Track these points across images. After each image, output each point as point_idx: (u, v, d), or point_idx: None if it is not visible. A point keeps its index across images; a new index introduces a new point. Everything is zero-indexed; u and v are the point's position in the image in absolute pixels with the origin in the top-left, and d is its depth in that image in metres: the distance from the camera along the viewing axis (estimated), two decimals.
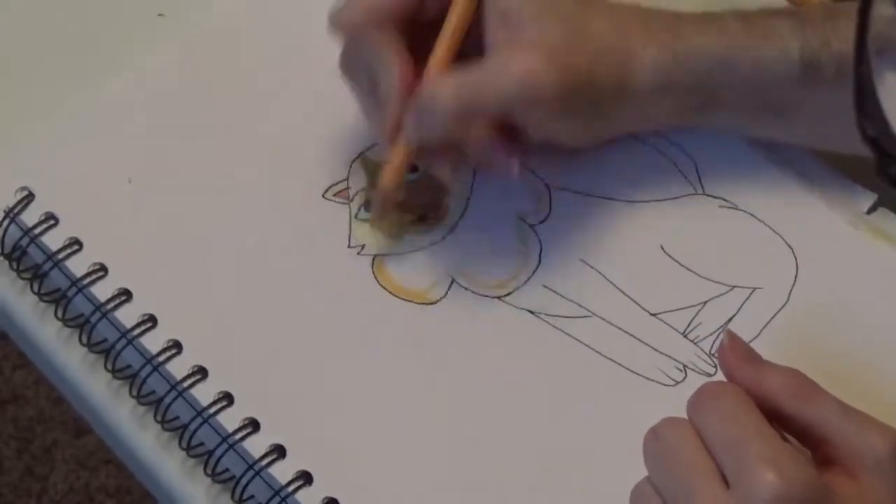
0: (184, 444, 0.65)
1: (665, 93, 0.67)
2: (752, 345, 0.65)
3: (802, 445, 0.56)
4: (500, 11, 0.65)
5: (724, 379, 0.58)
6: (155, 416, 0.65)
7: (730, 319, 0.67)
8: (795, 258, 0.68)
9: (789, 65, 0.65)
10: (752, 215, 0.69)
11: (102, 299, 0.67)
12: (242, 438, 0.64)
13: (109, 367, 0.66)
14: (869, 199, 0.69)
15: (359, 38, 0.66)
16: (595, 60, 0.65)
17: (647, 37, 0.66)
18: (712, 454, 0.55)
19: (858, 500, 0.54)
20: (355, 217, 0.69)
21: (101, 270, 0.68)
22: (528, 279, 0.68)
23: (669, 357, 0.66)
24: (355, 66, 0.67)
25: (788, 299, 0.67)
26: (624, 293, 0.67)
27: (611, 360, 0.66)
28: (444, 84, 0.64)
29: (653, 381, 0.65)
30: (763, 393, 0.57)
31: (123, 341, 0.66)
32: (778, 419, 0.56)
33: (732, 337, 0.59)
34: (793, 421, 0.56)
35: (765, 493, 0.52)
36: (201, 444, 0.65)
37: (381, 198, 0.67)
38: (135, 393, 0.66)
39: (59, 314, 0.68)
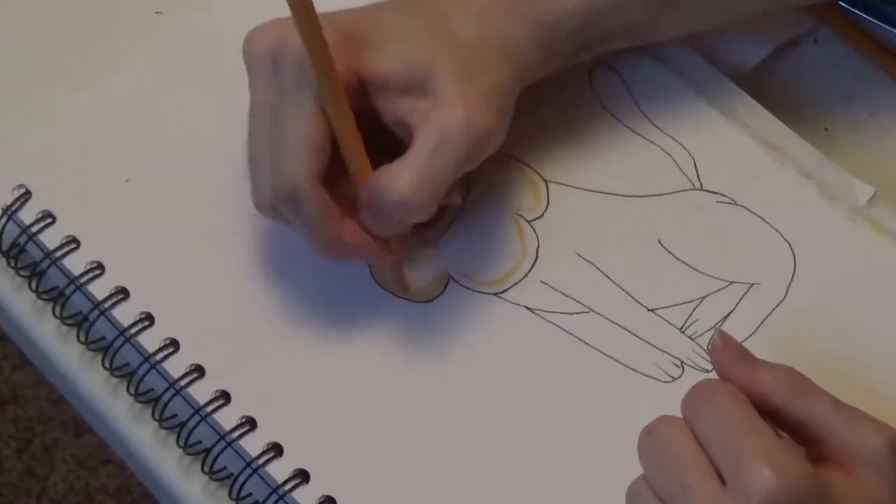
0: (181, 442, 0.65)
1: (546, 59, 0.67)
2: (749, 340, 0.65)
3: (796, 443, 0.57)
4: (397, 88, 0.63)
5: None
6: (152, 413, 0.65)
7: (728, 315, 0.67)
8: (793, 253, 0.68)
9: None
10: (749, 210, 0.69)
11: (100, 297, 0.67)
12: (240, 436, 0.64)
13: (107, 364, 0.66)
14: (867, 192, 0.69)
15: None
16: (491, 71, 0.64)
17: (515, 21, 0.65)
18: (707, 452, 0.55)
19: (854, 495, 0.54)
20: None
21: (99, 268, 0.68)
22: (526, 275, 0.68)
23: (667, 353, 0.66)
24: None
25: (786, 294, 0.67)
26: (621, 288, 0.67)
27: (608, 356, 0.66)
28: (397, 179, 0.62)
29: (650, 377, 0.65)
30: (757, 390, 0.57)
31: (121, 339, 0.66)
32: (772, 417, 0.56)
33: (724, 337, 0.59)
34: (787, 418, 0.57)
35: (762, 489, 0.52)
36: (199, 441, 0.65)
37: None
38: (132, 390, 0.66)
39: (57, 312, 0.68)
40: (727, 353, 0.58)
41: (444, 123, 0.62)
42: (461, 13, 0.65)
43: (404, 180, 0.62)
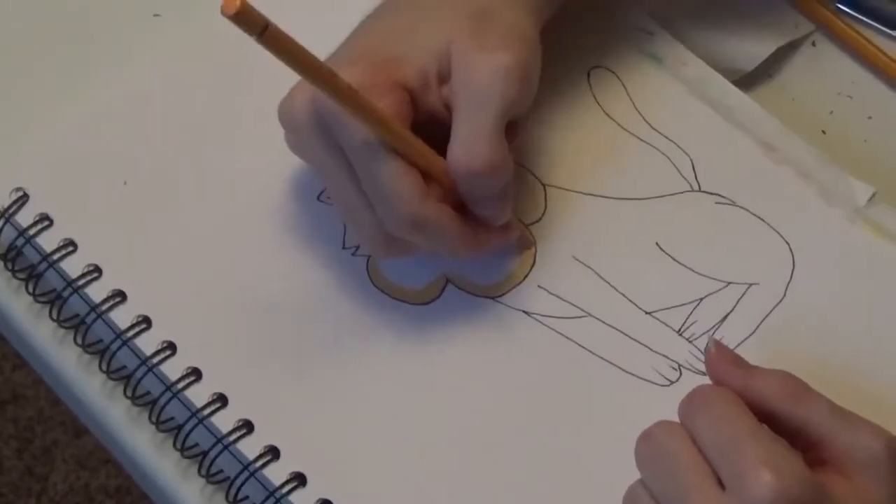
0: (178, 445, 0.65)
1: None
2: (748, 341, 0.66)
3: (793, 447, 0.56)
4: (435, 80, 0.64)
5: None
6: (150, 417, 0.65)
7: (726, 316, 0.66)
8: (792, 253, 0.68)
9: None
10: (748, 211, 0.69)
11: (97, 300, 0.67)
12: (237, 440, 0.64)
13: (104, 367, 0.66)
14: (866, 192, 0.68)
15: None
16: (507, 13, 0.64)
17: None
18: (706, 457, 0.54)
19: (852, 499, 0.54)
20: None
21: (96, 272, 0.68)
22: (523, 279, 0.68)
23: (664, 356, 0.66)
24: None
25: (785, 295, 0.67)
26: (619, 292, 0.67)
27: (605, 360, 0.66)
28: (455, 154, 0.62)
29: (648, 381, 0.65)
30: (754, 396, 0.57)
31: (118, 342, 0.66)
32: (769, 422, 0.56)
33: (718, 345, 0.59)
34: (785, 423, 0.56)
35: (762, 493, 0.52)
36: (196, 445, 0.65)
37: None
38: (130, 394, 0.66)
39: (54, 315, 0.68)
40: (722, 359, 0.58)
41: (468, 80, 0.62)
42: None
43: (457, 151, 0.62)
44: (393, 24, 0.65)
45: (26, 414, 1.48)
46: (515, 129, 0.66)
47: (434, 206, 0.62)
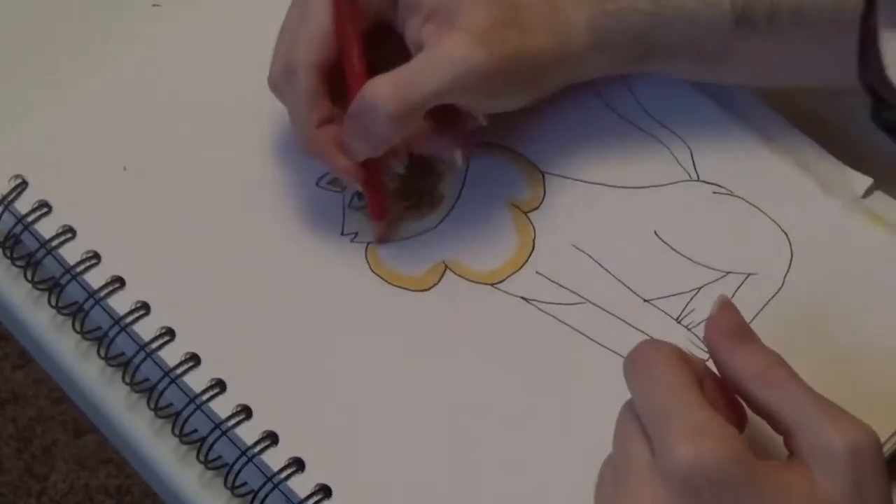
0: (177, 431, 0.65)
1: (600, 52, 0.67)
2: None
3: (774, 431, 0.56)
4: (427, 12, 0.65)
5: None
6: (148, 403, 0.65)
7: None
8: (790, 243, 0.68)
9: (722, 18, 0.65)
10: (746, 201, 0.69)
11: (96, 287, 0.67)
12: (235, 425, 0.64)
13: (103, 354, 0.67)
14: (864, 183, 0.68)
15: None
16: (527, 32, 0.65)
17: (578, 1, 0.66)
18: (642, 423, 0.55)
19: (806, 493, 0.53)
20: (349, 205, 0.69)
21: (95, 258, 0.68)
22: (522, 266, 0.68)
23: None
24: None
25: (783, 285, 0.67)
26: (617, 279, 0.67)
27: (604, 346, 0.66)
28: (378, 85, 0.64)
29: None
30: (731, 373, 0.56)
31: (116, 328, 0.66)
32: (746, 402, 0.56)
33: (723, 307, 0.58)
34: (756, 405, 0.56)
35: (677, 466, 0.52)
36: (194, 430, 0.65)
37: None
38: (128, 380, 0.66)
39: (53, 302, 0.68)
40: (718, 328, 0.58)
41: (445, 46, 0.64)
42: None
43: (383, 84, 0.63)
44: None
45: (26, 414, 1.48)
46: (464, 119, 0.67)
47: (312, 77, 0.65)
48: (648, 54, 0.67)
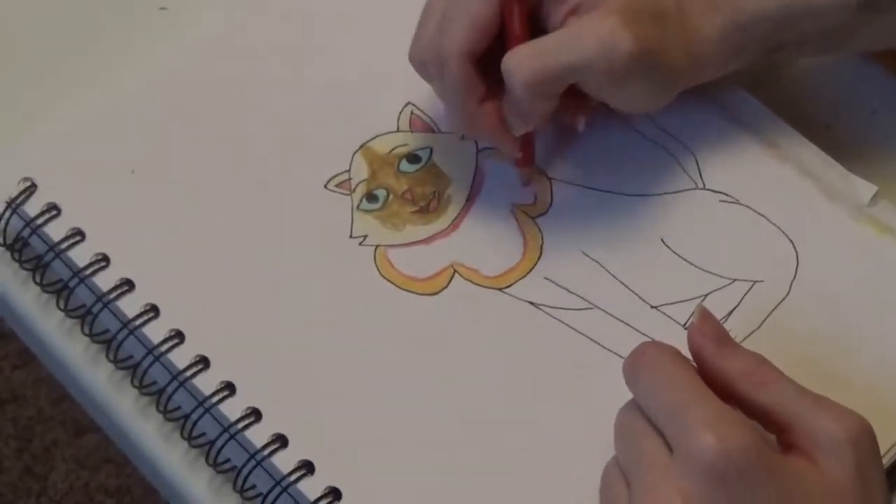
0: (186, 435, 0.65)
1: (731, 57, 0.67)
2: (752, 337, 0.66)
3: (766, 430, 0.57)
4: (573, 5, 0.65)
5: None
6: (157, 406, 0.65)
7: (730, 312, 0.67)
8: (796, 251, 0.68)
9: (847, 5, 0.66)
10: (752, 209, 0.69)
11: (104, 290, 0.67)
12: (244, 428, 0.64)
13: (111, 357, 0.67)
14: (869, 190, 0.69)
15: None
16: (665, 31, 0.65)
17: (710, 7, 0.66)
18: (653, 423, 0.55)
19: (817, 482, 0.54)
20: (357, 208, 0.69)
21: (104, 261, 0.68)
22: (530, 271, 0.68)
23: None
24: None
25: (789, 292, 0.67)
26: (625, 285, 0.67)
27: (612, 351, 0.66)
28: (518, 52, 0.64)
29: None
30: (723, 377, 0.57)
31: (125, 332, 0.66)
32: (739, 405, 0.57)
33: (702, 316, 0.59)
34: (750, 407, 0.57)
35: (703, 456, 0.53)
36: (203, 434, 0.65)
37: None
38: (137, 384, 0.66)
39: (61, 305, 0.68)
40: (700, 334, 0.58)
41: (592, 20, 0.63)
42: None
43: (522, 52, 0.64)
44: None
45: (26, 414, 1.48)
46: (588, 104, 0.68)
47: (465, 67, 0.64)
48: (773, 52, 0.68)
